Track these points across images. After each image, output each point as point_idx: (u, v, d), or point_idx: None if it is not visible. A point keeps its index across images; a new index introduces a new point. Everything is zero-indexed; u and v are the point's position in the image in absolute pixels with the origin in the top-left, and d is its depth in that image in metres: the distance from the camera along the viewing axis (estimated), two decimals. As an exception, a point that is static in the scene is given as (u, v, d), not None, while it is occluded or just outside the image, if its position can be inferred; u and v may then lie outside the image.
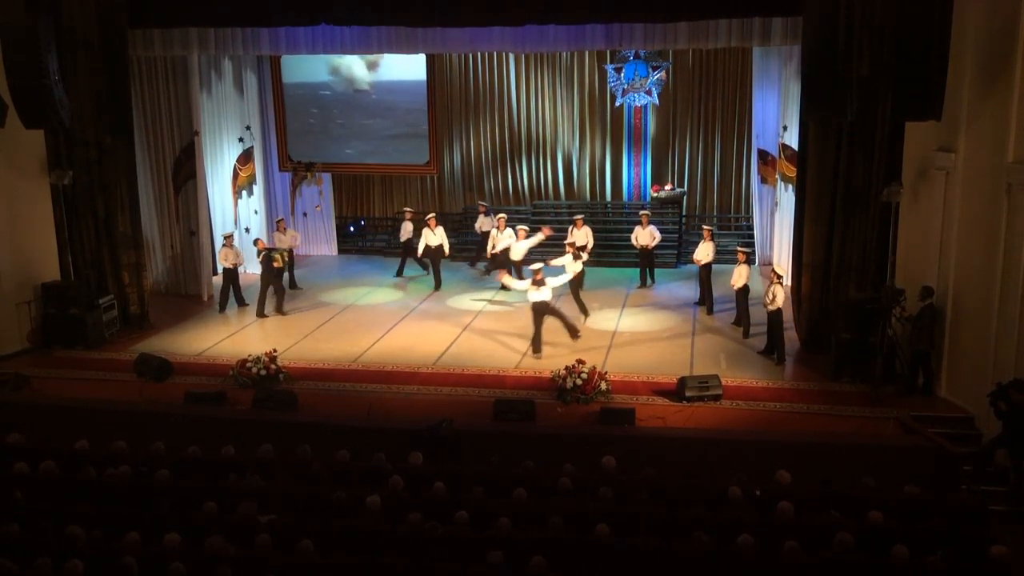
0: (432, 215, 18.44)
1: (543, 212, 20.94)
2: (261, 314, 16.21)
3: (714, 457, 10.85)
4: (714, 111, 20.22)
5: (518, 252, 16.61)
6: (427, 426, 10.91)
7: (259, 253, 16.50)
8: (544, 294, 13.87)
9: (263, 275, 16.36)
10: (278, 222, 18.02)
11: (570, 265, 15.30)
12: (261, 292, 16.36)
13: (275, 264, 16.16)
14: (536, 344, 14.04)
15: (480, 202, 19.79)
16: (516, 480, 9.43)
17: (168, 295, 17.70)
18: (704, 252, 15.99)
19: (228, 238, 16.71)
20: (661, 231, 18.85)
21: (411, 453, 10.21)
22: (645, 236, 17.27)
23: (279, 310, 16.34)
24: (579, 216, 18.00)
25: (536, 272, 13.97)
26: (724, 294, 15.85)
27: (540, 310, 13.97)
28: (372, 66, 19.19)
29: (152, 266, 17.35)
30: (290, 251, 17.75)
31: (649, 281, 17.51)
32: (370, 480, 9.56)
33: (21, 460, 9.85)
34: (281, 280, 16.56)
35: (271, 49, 15.96)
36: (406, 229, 18.41)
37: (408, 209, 18.84)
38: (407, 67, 19.00)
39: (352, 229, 21.43)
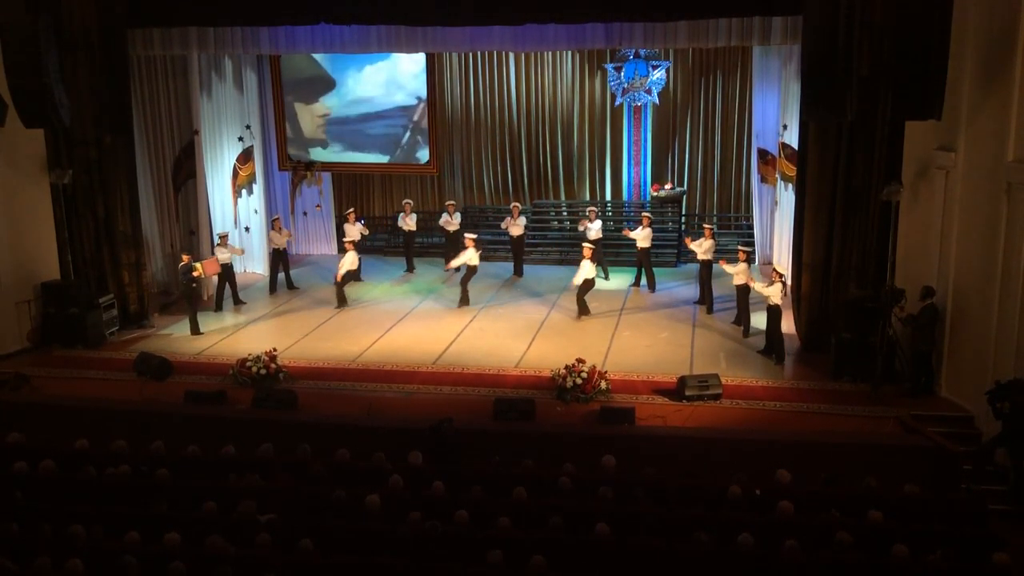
0: (451, 202, 19.25)
1: (543, 211, 20.96)
2: (197, 331, 15.34)
3: (714, 457, 10.85)
4: (714, 110, 20.20)
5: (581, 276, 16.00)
6: (430, 426, 10.91)
7: (182, 266, 15.48)
8: (590, 272, 15.62)
9: (185, 291, 15.56)
10: (273, 220, 18.02)
11: (470, 256, 16.42)
12: (191, 309, 15.49)
13: (195, 273, 15.30)
14: (583, 310, 15.76)
15: (406, 200, 19.65)
16: (516, 480, 9.43)
17: (168, 294, 17.70)
18: (704, 248, 15.97)
19: (224, 237, 16.71)
20: (661, 230, 18.98)
21: (411, 453, 10.21)
22: (641, 237, 17.08)
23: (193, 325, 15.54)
24: (592, 208, 18.25)
25: (585, 250, 15.77)
26: (724, 293, 15.85)
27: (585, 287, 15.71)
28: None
29: (152, 265, 17.36)
30: (284, 251, 17.79)
31: (645, 286, 17.43)
32: (370, 480, 9.56)
33: (21, 460, 9.85)
34: (194, 295, 15.57)
35: (271, 48, 15.96)
36: (352, 231, 18.22)
37: (351, 211, 18.89)
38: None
39: (363, 222, 21.29)
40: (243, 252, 18.30)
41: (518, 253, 18.73)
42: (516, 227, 18.34)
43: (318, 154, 19.98)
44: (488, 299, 17.01)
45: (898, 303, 12.05)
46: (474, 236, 16.73)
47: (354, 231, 18.15)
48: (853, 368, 12.65)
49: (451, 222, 18.78)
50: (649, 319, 15.75)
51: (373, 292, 17.77)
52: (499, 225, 19.09)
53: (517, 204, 18.89)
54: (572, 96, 20.63)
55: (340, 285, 16.67)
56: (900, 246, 12.59)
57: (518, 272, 18.70)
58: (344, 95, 19.54)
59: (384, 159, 19.89)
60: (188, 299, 15.59)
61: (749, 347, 14.20)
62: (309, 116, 19.83)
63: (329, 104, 19.67)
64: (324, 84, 19.57)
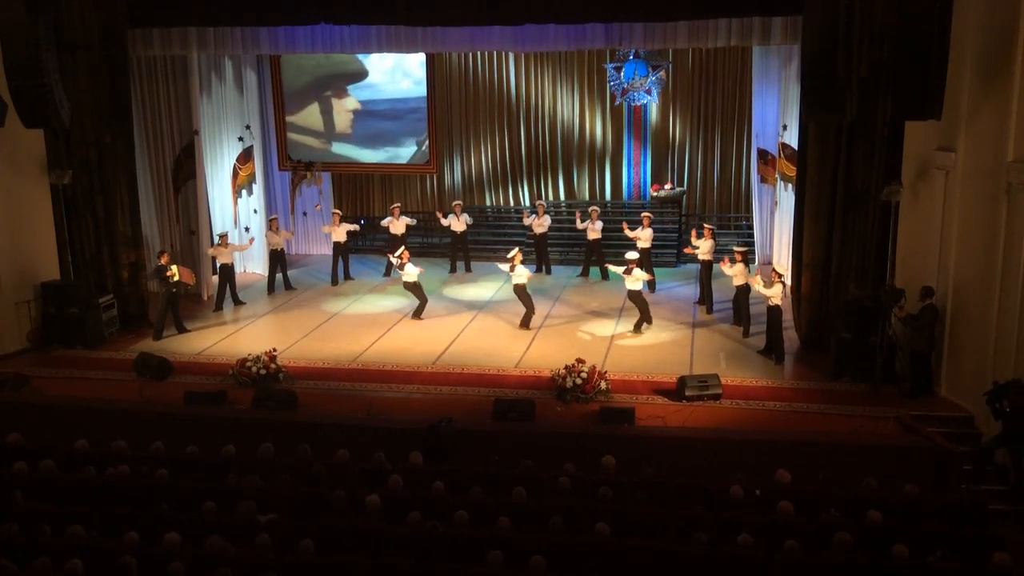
0: (458, 202, 19.20)
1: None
2: (159, 337, 15.10)
3: (714, 457, 10.85)
4: (714, 110, 20.21)
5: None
6: (427, 425, 10.92)
7: (157, 267, 15.29)
8: (638, 284, 14.92)
9: (163, 293, 15.18)
10: (271, 220, 18.03)
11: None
12: (161, 312, 15.22)
13: (169, 275, 14.97)
14: (642, 323, 15.08)
15: (395, 205, 19.21)
16: (516, 480, 9.43)
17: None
18: (704, 248, 15.97)
19: (223, 237, 16.70)
20: (661, 231, 19.02)
21: (411, 453, 10.21)
22: (642, 237, 17.09)
23: (179, 328, 15.42)
24: (594, 208, 18.33)
25: (631, 262, 14.93)
26: (724, 294, 15.85)
27: (634, 298, 15.01)
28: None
29: (152, 265, 17.35)
30: (282, 251, 17.82)
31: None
32: (370, 480, 9.56)
33: (21, 460, 9.85)
34: (168, 300, 15.19)
35: (270, 48, 15.95)
36: (338, 232, 18.25)
37: (337, 212, 18.90)
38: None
39: (363, 222, 21.29)
40: (252, 241, 18.21)
41: (542, 251, 18.77)
42: (541, 226, 18.43)
43: (342, 149, 20.14)
44: (489, 299, 17.00)
45: (897, 303, 12.05)
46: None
47: (340, 232, 18.15)
48: (853, 368, 12.65)
49: (458, 223, 18.76)
50: (649, 319, 15.75)
51: (371, 294, 17.75)
52: (498, 225, 19.09)
53: (542, 203, 18.94)
54: (572, 96, 20.64)
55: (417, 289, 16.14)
56: (900, 246, 12.59)
57: (547, 270, 18.73)
58: (371, 88, 19.79)
59: (411, 150, 20.07)
60: (168, 302, 15.27)
61: (749, 347, 14.20)
62: (342, 110, 19.97)
63: (360, 97, 19.91)
64: (357, 76, 19.82)
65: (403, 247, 16.84)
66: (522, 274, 15.31)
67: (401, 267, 16.01)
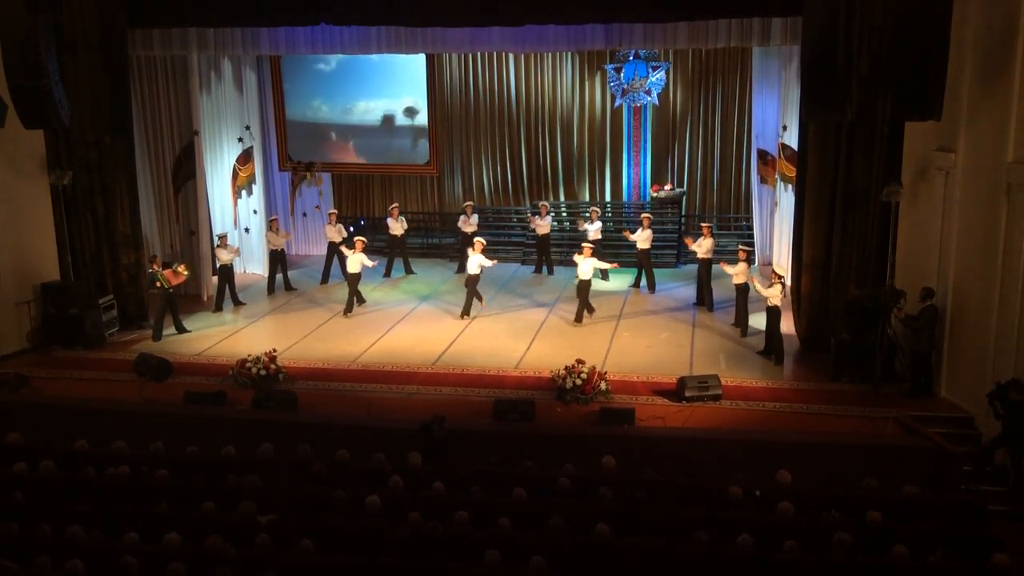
0: (469, 203, 19.24)
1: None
2: (158, 337, 15.14)
3: (714, 457, 10.85)
4: (714, 111, 20.21)
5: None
6: (421, 424, 10.92)
7: (148, 273, 15.34)
8: (588, 274, 15.48)
9: (160, 294, 15.18)
10: (271, 221, 18.04)
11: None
12: (159, 313, 15.25)
13: (158, 284, 14.99)
14: (580, 316, 15.55)
15: (393, 205, 19.29)
16: (516, 480, 9.43)
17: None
18: (704, 247, 15.98)
19: (223, 238, 16.70)
20: (661, 231, 19.02)
21: (410, 453, 10.21)
22: (641, 238, 17.12)
23: (179, 328, 15.46)
24: (594, 208, 18.39)
25: (585, 249, 15.65)
26: (724, 293, 15.85)
27: (583, 287, 15.57)
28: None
29: (151, 266, 17.35)
30: (282, 251, 17.85)
31: (645, 287, 17.44)
32: (370, 480, 9.56)
33: (21, 460, 9.85)
34: (165, 300, 15.24)
35: (271, 49, 15.97)
36: (332, 232, 18.24)
37: (333, 211, 18.91)
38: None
39: (363, 223, 21.29)
40: (239, 252, 18.26)
41: (544, 251, 18.79)
42: (543, 226, 18.47)
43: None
44: (488, 300, 16.98)
45: (897, 303, 12.04)
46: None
47: (333, 232, 18.17)
48: (853, 368, 12.66)
49: (468, 223, 18.77)
50: (649, 320, 15.75)
51: (373, 293, 17.75)
52: (498, 225, 19.02)
53: (545, 203, 18.99)
54: (572, 97, 20.64)
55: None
56: (900, 246, 12.58)
57: (549, 271, 18.77)
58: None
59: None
60: (167, 302, 15.30)
61: (748, 348, 14.20)
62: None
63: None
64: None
65: (357, 237, 16.95)
66: (476, 264, 15.77)
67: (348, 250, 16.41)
